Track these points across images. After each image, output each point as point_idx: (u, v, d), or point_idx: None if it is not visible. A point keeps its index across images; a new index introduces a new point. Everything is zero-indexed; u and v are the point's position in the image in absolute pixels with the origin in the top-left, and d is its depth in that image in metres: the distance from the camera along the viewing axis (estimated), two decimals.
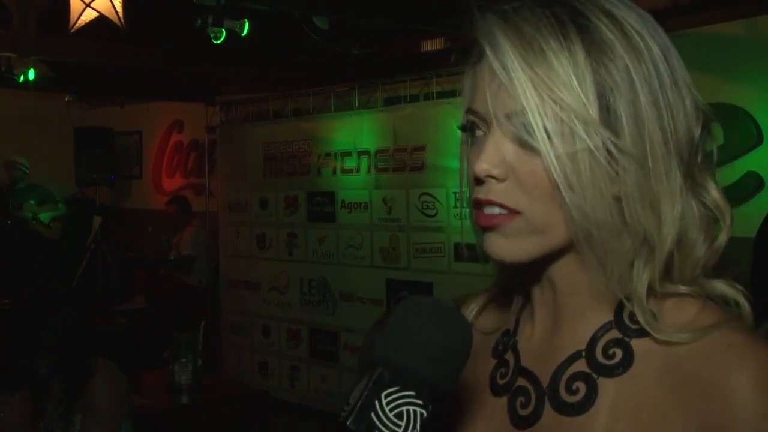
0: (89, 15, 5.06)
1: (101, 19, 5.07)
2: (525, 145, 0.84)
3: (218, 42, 4.73)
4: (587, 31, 0.83)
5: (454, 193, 5.38)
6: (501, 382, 0.97)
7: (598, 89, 0.82)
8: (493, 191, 0.86)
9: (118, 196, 9.81)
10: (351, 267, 6.15)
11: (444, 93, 5.55)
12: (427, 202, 5.58)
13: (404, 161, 5.74)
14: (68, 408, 2.60)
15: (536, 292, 0.96)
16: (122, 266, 8.76)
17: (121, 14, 5.09)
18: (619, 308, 0.90)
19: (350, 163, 6.13)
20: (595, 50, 0.83)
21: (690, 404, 0.82)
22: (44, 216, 8.62)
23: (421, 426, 0.74)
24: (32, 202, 8.63)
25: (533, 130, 0.82)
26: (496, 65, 0.83)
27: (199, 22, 4.50)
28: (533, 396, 0.93)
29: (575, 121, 0.81)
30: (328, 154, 6.32)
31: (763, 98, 4.32)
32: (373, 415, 0.73)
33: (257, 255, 6.98)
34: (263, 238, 6.93)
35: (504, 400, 0.96)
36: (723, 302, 0.89)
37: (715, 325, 0.84)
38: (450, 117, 5.32)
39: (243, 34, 4.84)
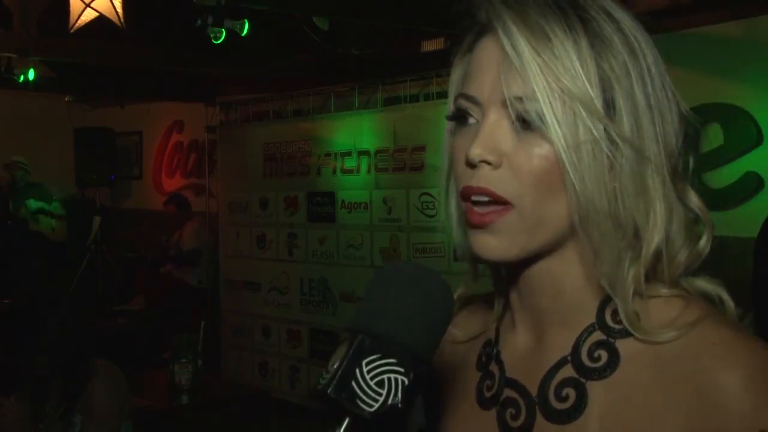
0: (89, 15, 5.06)
1: (101, 19, 5.07)
2: (526, 130, 0.83)
3: (218, 42, 4.73)
4: (589, 23, 0.84)
5: None
6: (488, 394, 0.95)
7: (600, 81, 0.83)
8: (485, 178, 0.84)
9: (118, 197, 9.80)
10: (351, 267, 6.15)
11: (444, 93, 5.50)
12: (427, 202, 5.58)
13: (404, 161, 5.73)
14: (68, 409, 2.59)
15: (516, 299, 0.95)
16: (122, 266, 8.76)
17: (121, 14, 5.09)
18: (601, 310, 0.89)
19: (350, 163, 6.13)
20: (597, 43, 0.84)
21: (682, 406, 0.81)
22: (43, 220, 8.57)
23: (402, 394, 0.72)
24: (31, 201, 8.62)
25: (543, 114, 0.81)
26: (508, 48, 0.83)
27: (199, 22, 4.49)
28: (523, 406, 0.91)
29: (581, 109, 0.82)
30: (328, 155, 6.31)
31: (763, 98, 4.31)
32: (354, 383, 0.72)
33: (257, 255, 6.98)
34: (263, 239, 6.92)
35: (493, 412, 0.94)
36: (707, 299, 0.89)
37: (697, 320, 0.84)
38: None
39: (243, 34, 4.84)
